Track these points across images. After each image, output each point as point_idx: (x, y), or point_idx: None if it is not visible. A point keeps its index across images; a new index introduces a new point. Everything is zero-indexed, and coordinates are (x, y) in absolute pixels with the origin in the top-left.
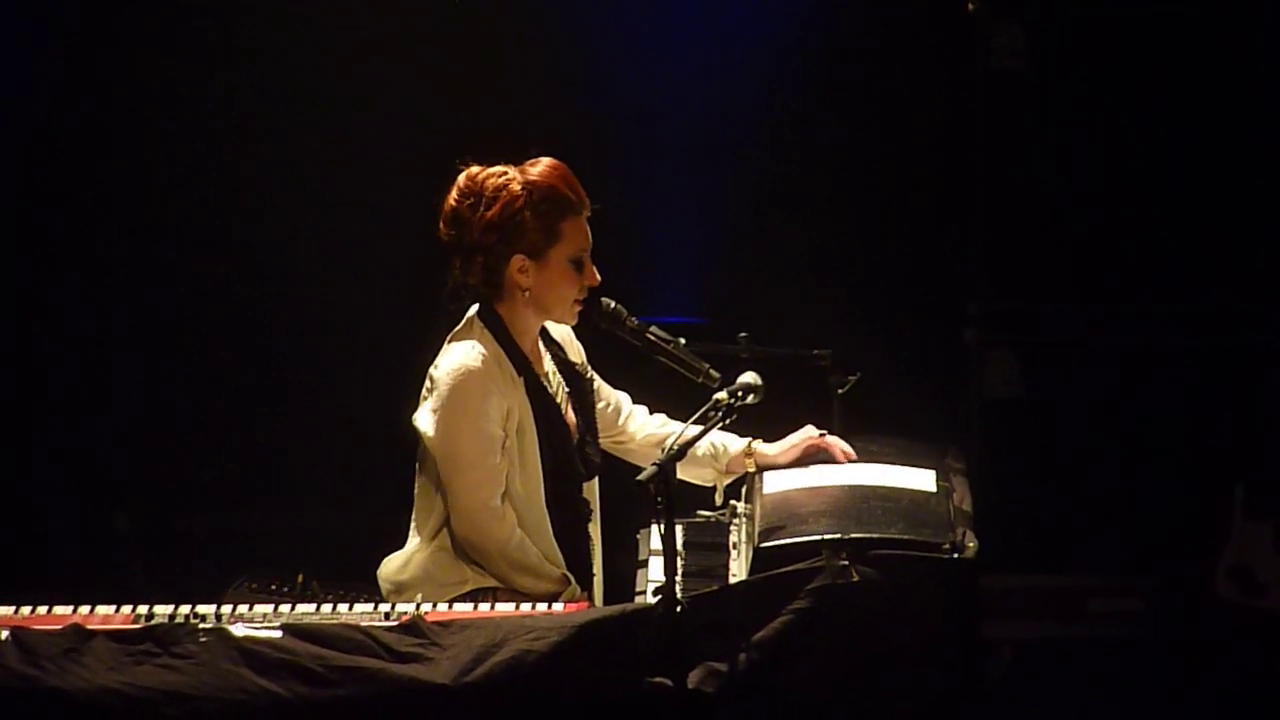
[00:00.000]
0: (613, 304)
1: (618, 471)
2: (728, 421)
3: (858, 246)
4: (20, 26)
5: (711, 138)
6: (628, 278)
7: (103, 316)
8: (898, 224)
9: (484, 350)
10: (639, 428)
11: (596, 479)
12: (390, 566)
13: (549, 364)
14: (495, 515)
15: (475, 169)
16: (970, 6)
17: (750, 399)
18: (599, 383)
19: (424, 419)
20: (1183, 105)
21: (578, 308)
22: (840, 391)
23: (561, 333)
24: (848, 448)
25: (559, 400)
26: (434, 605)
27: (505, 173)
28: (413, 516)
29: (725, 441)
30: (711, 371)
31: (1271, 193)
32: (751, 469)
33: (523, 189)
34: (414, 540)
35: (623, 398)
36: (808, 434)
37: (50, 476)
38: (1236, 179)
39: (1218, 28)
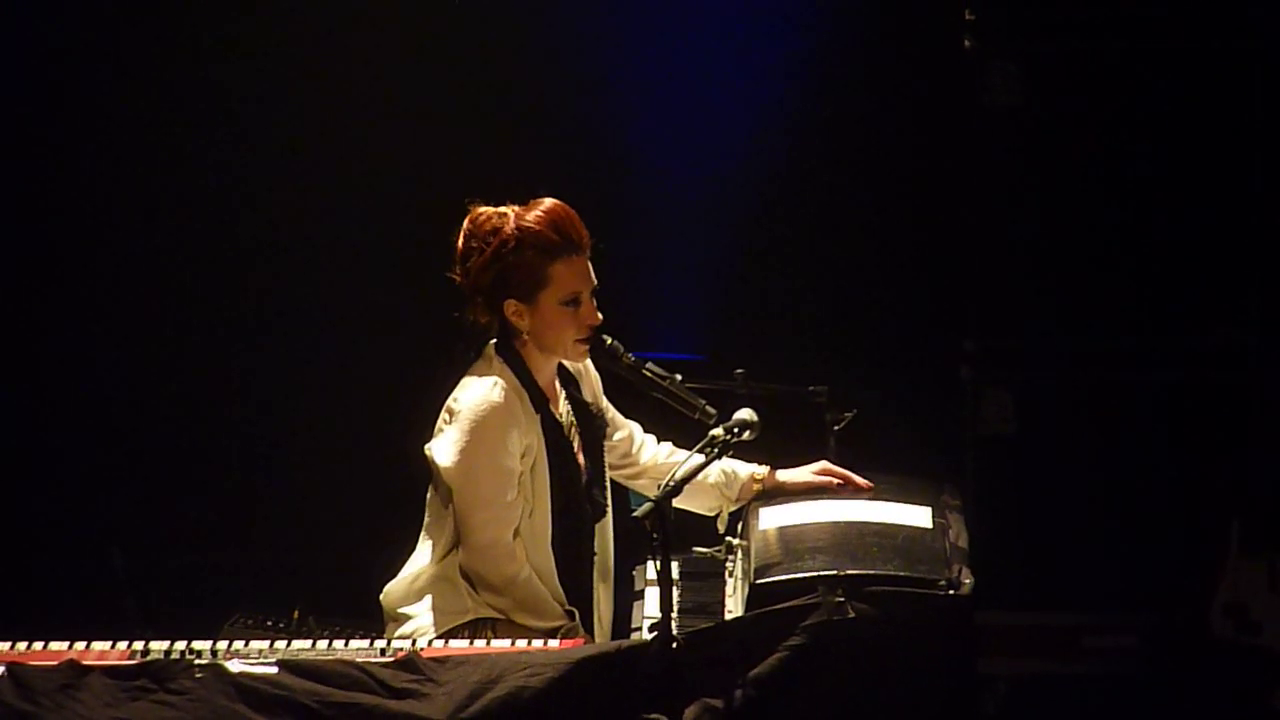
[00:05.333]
0: (609, 340)
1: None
2: (725, 457)
3: (854, 284)
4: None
5: (709, 176)
6: (625, 314)
7: (98, 352)
8: (893, 261)
9: (505, 384)
10: (650, 458)
11: (610, 520)
12: (393, 594)
13: (564, 403)
14: (507, 552)
15: (479, 210)
16: (966, 43)
17: (746, 435)
18: (613, 413)
19: (442, 450)
20: (1178, 141)
21: (583, 347)
22: (836, 428)
23: (578, 366)
24: (862, 481)
25: (571, 439)
26: (434, 634)
27: (503, 215)
28: (419, 543)
29: (735, 468)
30: (708, 408)
31: (1265, 229)
32: (758, 488)
33: (513, 233)
34: (417, 566)
35: (634, 427)
36: (823, 465)
37: (45, 513)
38: (1230, 215)
39: (1213, 64)
